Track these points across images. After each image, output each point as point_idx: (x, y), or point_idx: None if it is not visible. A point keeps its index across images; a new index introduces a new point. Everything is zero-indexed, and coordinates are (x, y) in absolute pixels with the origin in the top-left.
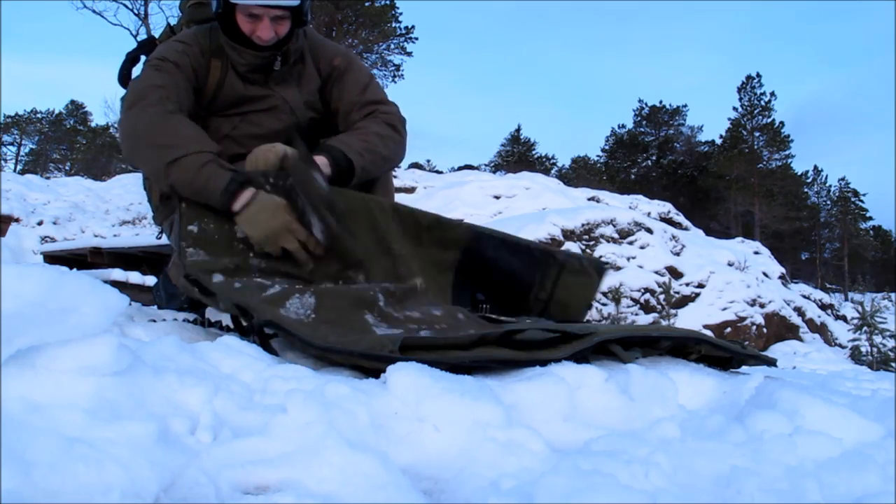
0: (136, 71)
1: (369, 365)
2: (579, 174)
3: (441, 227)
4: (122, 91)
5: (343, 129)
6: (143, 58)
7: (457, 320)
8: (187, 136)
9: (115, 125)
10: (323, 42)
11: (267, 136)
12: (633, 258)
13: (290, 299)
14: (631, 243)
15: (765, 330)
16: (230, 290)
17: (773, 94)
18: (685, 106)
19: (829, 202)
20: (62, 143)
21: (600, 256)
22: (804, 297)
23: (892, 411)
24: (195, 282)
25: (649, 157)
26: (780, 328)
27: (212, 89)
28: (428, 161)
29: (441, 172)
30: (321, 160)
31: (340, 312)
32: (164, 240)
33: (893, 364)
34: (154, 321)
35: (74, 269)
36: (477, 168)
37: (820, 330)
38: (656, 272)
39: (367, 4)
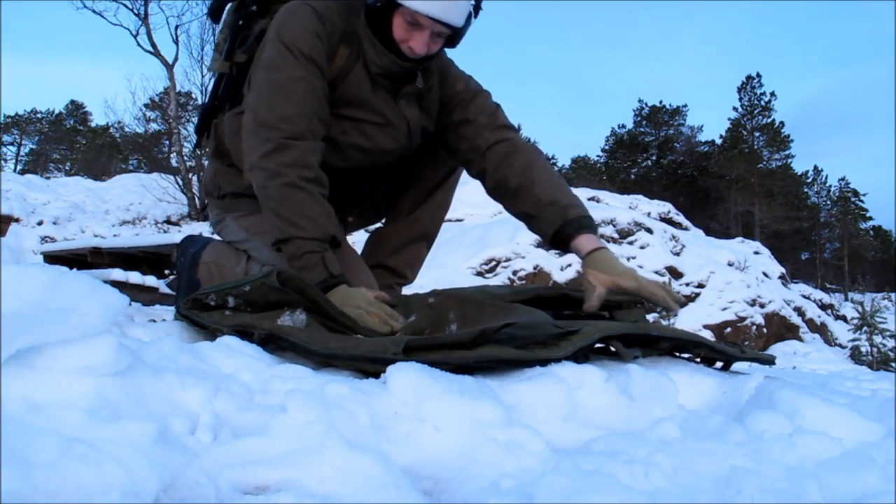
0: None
1: (372, 369)
2: (579, 174)
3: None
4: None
5: (465, 147)
6: (229, 5)
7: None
8: (308, 218)
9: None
10: (450, 64)
11: (374, 153)
12: (633, 258)
13: (282, 317)
14: (631, 243)
15: (765, 330)
16: (222, 318)
17: (773, 94)
18: (685, 106)
19: (829, 202)
20: (62, 143)
21: None
22: (804, 297)
23: (892, 411)
24: (185, 317)
25: (649, 157)
26: (780, 328)
27: (332, 77)
28: None
29: None
30: (592, 240)
31: (332, 327)
32: (185, 231)
33: (893, 364)
34: (154, 321)
35: (74, 269)
36: None
37: (820, 330)
38: (656, 272)
39: None
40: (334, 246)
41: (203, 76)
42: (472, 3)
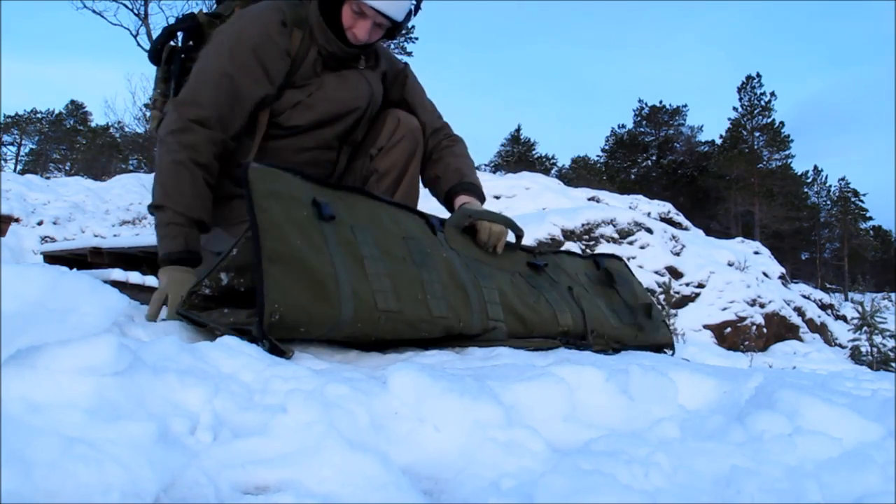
0: (175, 44)
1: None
2: (579, 174)
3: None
4: (152, 69)
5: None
6: (179, 35)
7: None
8: (182, 193)
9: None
10: (384, 47)
11: (340, 102)
12: (634, 258)
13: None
14: (631, 243)
15: (765, 330)
16: (220, 316)
17: (773, 94)
18: (685, 106)
19: (829, 202)
20: (62, 143)
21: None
22: (804, 297)
23: (892, 411)
24: (185, 317)
25: (649, 157)
26: (780, 328)
27: (290, 59)
28: None
29: None
30: (472, 200)
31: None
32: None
33: (893, 364)
34: (154, 321)
35: (74, 269)
36: (477, 168)
37: (820, 330)
38: (656, 272)
39: None
40: (201, 229)
41: None
42: (413, 2)
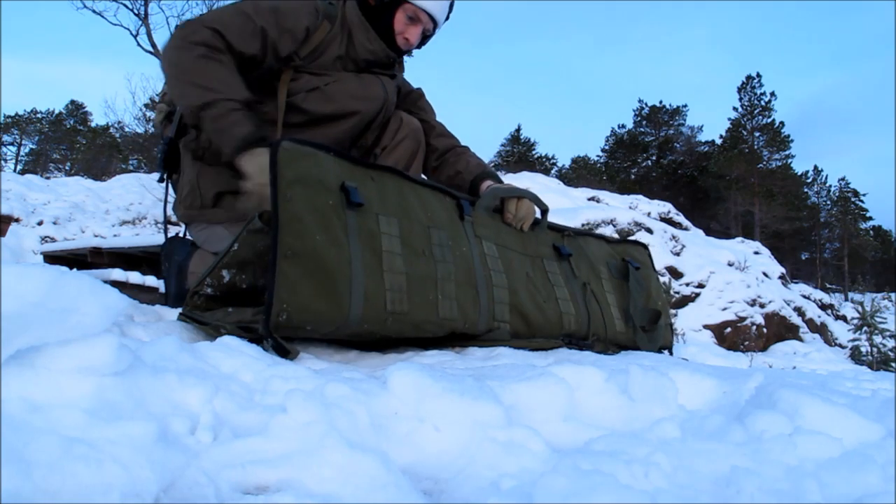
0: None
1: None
2: (579, 174)
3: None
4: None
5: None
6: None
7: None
8: (224, 82)
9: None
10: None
11: (357, 99)
12: None
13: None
14: None
15: (765, 330)
16: (225, 315)
17: (773, 94)
18: (685, 106)
19: (829, 202)
20: (62, 143)
21: None
22: (804, 297)
23: (892, 411)
24: (189, 318)
25: (649, 157)
26: (780, 328)
27: (313, 47)
28: None
29: None
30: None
31: None
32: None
33: (893, 364)
34: (154, 321)
35: (74, 269)
36: None
37: (820, 330)
38: (656, 272)
39: None
40: (251, 109)
41: None
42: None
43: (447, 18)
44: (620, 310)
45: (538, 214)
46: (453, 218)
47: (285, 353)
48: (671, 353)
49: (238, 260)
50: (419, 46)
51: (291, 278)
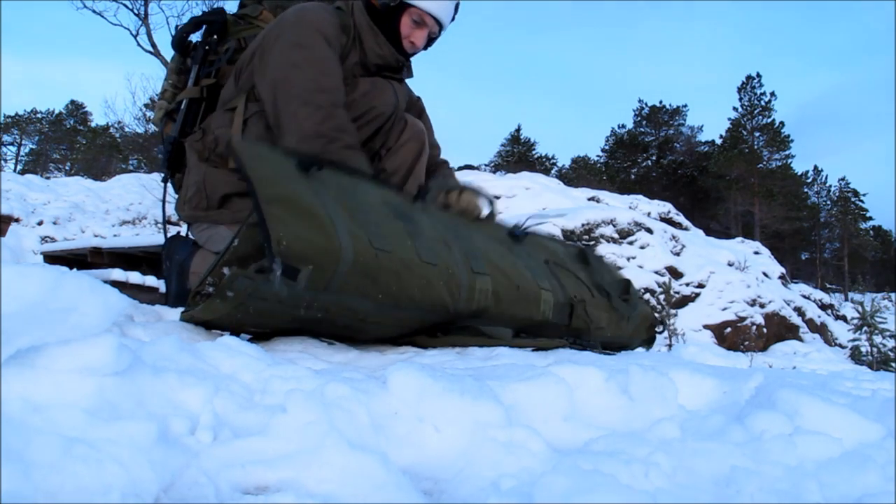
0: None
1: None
2: (579, 174)
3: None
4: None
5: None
6: (204, 27)
7: None
8: (351, 132)
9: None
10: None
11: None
12: (633, 258)
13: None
14: (631, 243)
15: (765, 330)
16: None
17: (773, 94)
18: (685, 106)
19: (829, 202)
20: (62, 143)
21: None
22: (804, 297)
23: (892, 411)
24: (191, 318)
25: (649, 157)
26: (780, 328)
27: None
28: None
29: None
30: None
31: None
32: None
33: (893, 364)
34: (154, 321)
35: (74, 269)
36: (477, 168)
37: (820, 330)
38: (656, 272)
39: None
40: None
41: None
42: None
43: (453, 20)
44: (592, 284)
45: (486, 210)
46: (405, 199)
47: (295, 274)
48: (664, 329)
49: (238, 256)
50: (425, 48)
51: (279, 214)
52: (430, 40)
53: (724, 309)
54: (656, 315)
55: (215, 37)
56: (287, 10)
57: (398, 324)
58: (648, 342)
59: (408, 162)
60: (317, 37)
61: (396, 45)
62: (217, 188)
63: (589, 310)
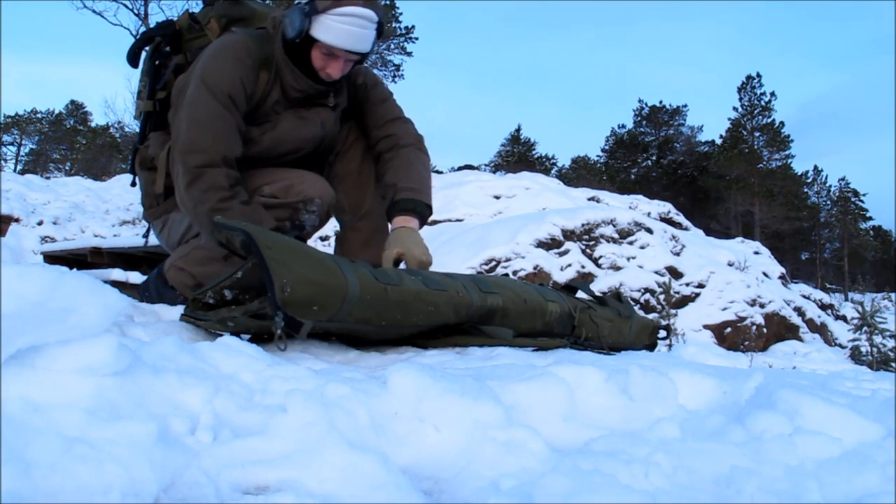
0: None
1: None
2: (579, 174)
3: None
4: (132, 71)
5: (370, 138)
6: (156, 38)
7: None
8: (221, 187)
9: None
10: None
11: (293, 142)
12: (633, 258)
13: None
14: (631, 243)
15: (765, 330)
16: (228, 311)
17: (773, 94)
18: (685, 106)
19: (829, 202)
20: (62, 143)
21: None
22: (804, 297)
23: (892, 411)
24: (191, 317)
25: (649, 157)
26: (780, 328)
27: (254, 101)
28: None
29: (441, 172)
30: (412, 221)
31: None
32: (153, 240)
33: (893, 364)
34: (154, 321)
35: (74, 269)
36: (477, 168)
37: (820, 330)
38: (656, 272)
39: None
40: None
41: None
42: (376, 28)
43: (380, 36)
44: (591, 299)
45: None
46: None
47: (298, 327)
48: (668, 335)
49: (241, 285)
50: (357, 65)
51: (281, 259)
52: (356, 62)
53: (724, 309)
54: (661, 321)
55: (168, 48)
56: (209, 45)
57: (399, 337)
58: (650, 348)
59: (356, 162)
60: (204, 94)
61: (315, 76)
62: (157, 185)
63: (592, 316)
